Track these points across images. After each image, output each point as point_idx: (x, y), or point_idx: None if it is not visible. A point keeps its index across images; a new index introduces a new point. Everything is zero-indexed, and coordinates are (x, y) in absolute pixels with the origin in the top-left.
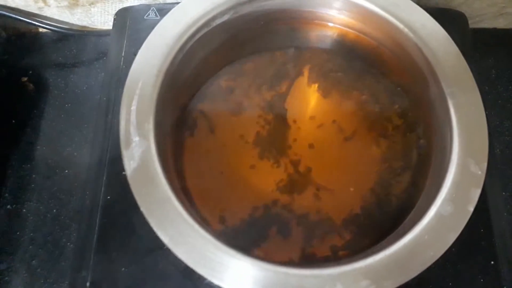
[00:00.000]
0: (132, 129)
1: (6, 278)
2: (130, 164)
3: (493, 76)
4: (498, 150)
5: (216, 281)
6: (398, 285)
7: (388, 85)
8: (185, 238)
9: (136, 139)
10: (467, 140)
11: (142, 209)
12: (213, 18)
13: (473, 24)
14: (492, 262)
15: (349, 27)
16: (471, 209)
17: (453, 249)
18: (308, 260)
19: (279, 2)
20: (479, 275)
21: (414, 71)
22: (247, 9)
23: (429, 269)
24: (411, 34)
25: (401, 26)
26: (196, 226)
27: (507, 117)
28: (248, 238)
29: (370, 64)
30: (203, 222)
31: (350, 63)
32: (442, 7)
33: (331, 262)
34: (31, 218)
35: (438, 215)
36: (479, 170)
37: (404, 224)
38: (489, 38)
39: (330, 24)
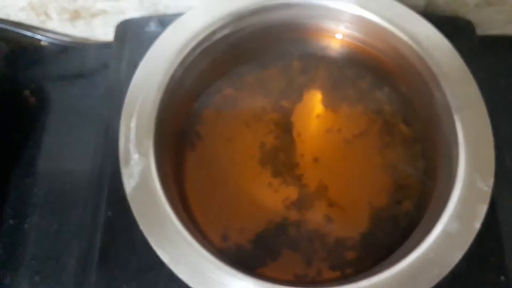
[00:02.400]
0: (132, 147)
1: None
2: (129, 183)
3: (502, 84)
4: (509, 161)
5: None
6: None
7: (395, 97)
8: (185, 257)
9: (135, 156)
10: (474, 155)
11: (142, 227)
12: (214, 32)
13: (482, 31)
14: (502, 278)
15: (354, 39)
16: (478, 226)
17: (462, 265)
18: (313, 279)
19: (281, 15)
20: None
21: (419, 83)
22: (248, 22)
23: (438, 286)
24: (415, 46)
25: (405, 38)
26: (197, 245)
27: None
28: (251, 256)
29: (376, 75)
30: (205, 240)
31: (356, 75)
32: (449, 15)
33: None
34: (33, 233)
35: (444, 232)
36: (486, 185)
37: (410, 241)
38: (499, 45)
39: (335, 36)
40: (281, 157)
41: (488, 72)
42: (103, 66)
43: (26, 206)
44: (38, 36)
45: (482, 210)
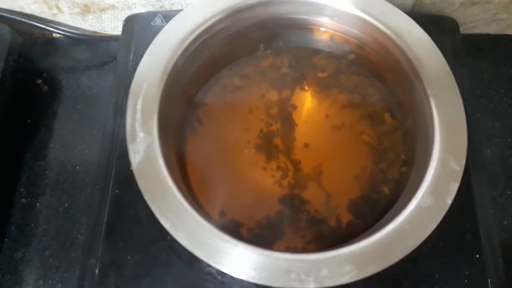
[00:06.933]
0: (138, 126)
1: (21, 267)
2: (135, 158)
3: (485, 80)
4: (489, 150)
5: (213, 264)
6: (379, 270)
7: (378, 86)
8: (185, 224)
9: (141, 135)
10: (448, 138)
11: (146, 198)
12: (213, 25)
13: (466, 30)
14: (477, 255)
15: (343, 33)
16: (450, 201)
17: (440, 243)
18: (300, 249)
19: (274, 10)
20: (464, 267)
21: (400, 73)
22: (245, 16)
23: (416, 262)
24: (397, 40)
25: (388, 32)
26: (195, 214)
27: (498, 119)
28: (246, 229)
29: (362, 66)
30: (204, 213)
31: (345, 66)
32: (436, 14)
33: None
34: (44, 211)
35: (418, 207)
36: (458, 166)
37: (388, 215)
38: (482, 43)
39: (326, 30)
40: (276, 142)
41: (471, 68)
42: (111, 58)
43: (38, 186)
44: (50, 29)
45: (454, 187)
